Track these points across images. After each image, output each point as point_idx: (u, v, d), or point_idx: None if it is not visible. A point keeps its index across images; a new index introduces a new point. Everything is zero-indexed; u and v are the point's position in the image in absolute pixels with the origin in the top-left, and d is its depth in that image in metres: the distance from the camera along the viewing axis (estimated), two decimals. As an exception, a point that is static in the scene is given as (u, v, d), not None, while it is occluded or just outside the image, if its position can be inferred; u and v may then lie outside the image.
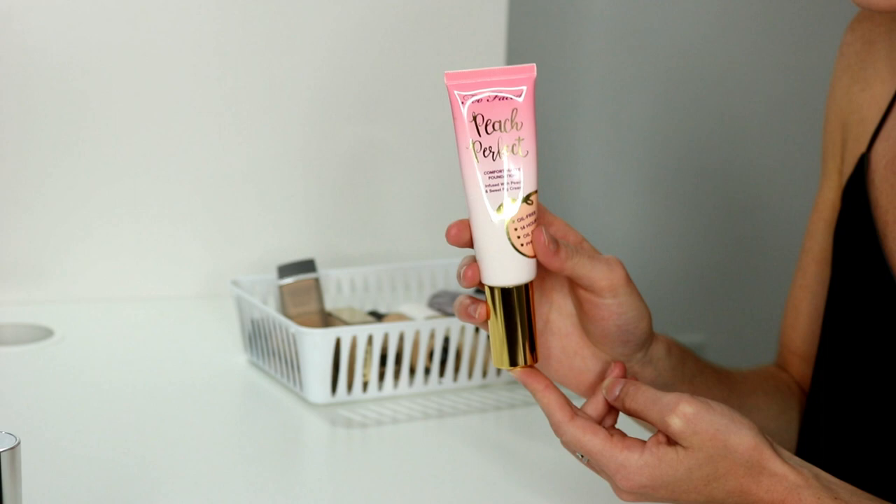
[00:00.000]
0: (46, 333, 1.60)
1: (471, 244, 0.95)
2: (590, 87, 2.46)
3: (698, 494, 0.93)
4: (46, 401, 1.43)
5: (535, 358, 0.96)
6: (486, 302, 0.95)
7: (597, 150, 2.49)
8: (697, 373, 1.12)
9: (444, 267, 1.68)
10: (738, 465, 0.92)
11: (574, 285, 0.98)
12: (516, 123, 0.93)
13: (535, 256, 0.94)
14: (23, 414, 1.39)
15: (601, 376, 1.01)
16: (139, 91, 1.71)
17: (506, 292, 0.94)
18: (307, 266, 1.56)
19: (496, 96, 0.93)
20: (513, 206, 0.93)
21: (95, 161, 1.71)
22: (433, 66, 1.80)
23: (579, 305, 0.99)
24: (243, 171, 1.76)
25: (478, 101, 0.93)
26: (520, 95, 0.93)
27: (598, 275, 0.96)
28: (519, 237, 0.93)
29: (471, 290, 1.39)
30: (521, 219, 0.93)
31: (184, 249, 1.75)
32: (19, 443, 0.92)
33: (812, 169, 1.41)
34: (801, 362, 1.25)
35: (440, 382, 1.47)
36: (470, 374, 1.48)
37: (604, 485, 0.99)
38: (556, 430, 0.95)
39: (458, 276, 0.95)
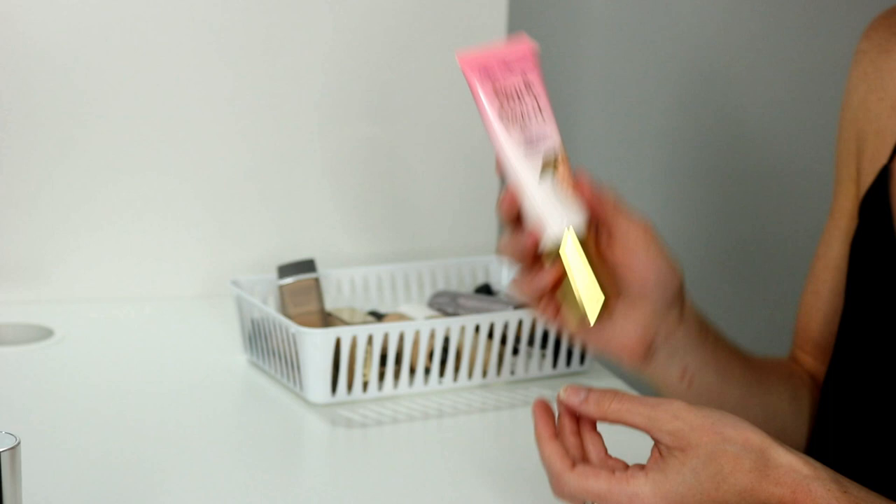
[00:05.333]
0: (46, 333, 1.60)
1: (519, 217, 0.98)
2: (590, 87, 2.46)
3: (712, 502, 0.92)
4: (46, 401, 1.43)
5: (614, 292, 1.00)
6: (555, 264, 0.98)
7: (598, 149, 2.49)
8: (719, 343, 1.15)
9: (445, 267, 1.68)
10: (742, 459, 0.92)
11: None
12: (530, 87, 0.98)
13: (583, 198, 0.99)
14: (23, 414, 1.39)
15: (632, 338, 1.04)
16: (140, 91, 1.70)
17: (571, 238, 0.98)
18: (307, 266, 1.56)
19: (506, 66, 0.98)
20: (551, 163, 0.98)
21: (95, 161, 1.70)
22: (432, 66, 1.80)
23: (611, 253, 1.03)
24: (243, 171, 1.76)
25: (491, 73, 0.98)
26: (525, 62, 0.99)
27: (631, 226, 1.01)
28: (565, 187, 0.98)
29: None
30: (561, 170, 0.99)
31: (184, 249, 1.75)
32: (19, 443, 0.92)
33: (820, 171, 1.41)
34: (813, 362, 1.25)
35: (440, 382, 1.47)
36: (470, 374, 1.48)
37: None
38: (558, 480, 0.95)
39: (498, 205, 0.99)
